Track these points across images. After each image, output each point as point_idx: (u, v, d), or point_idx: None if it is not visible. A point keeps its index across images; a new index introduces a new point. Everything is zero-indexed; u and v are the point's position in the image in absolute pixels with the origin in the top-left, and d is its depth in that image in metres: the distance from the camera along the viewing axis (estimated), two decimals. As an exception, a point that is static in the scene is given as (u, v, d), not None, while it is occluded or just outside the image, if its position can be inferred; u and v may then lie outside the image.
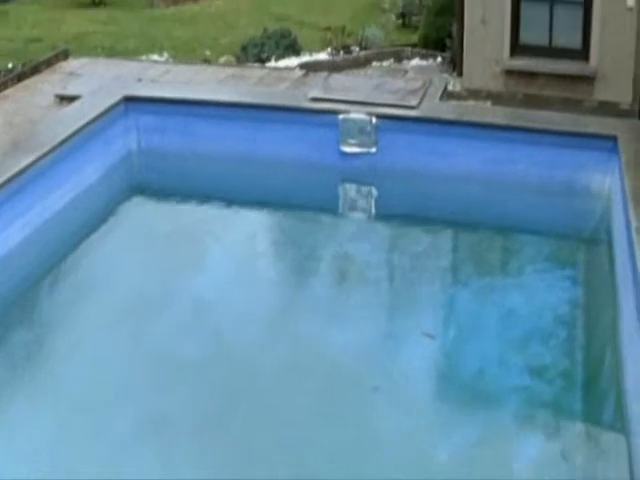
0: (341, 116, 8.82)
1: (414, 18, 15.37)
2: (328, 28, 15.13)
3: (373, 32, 13.08)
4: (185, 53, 13.95)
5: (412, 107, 8.93)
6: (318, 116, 8.97)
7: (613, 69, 10.20)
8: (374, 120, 8.75)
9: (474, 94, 10.46)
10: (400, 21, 15.79)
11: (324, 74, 10.39)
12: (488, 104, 10.31)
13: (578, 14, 10.17)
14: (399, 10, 16.16)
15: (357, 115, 8.79)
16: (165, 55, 13.53)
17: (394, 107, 8.92)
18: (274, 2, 18.51)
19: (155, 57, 13.38)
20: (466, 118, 8.82)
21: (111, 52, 13.98)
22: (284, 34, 12.26)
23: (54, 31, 15.46)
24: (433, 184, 8.88)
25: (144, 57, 13.39)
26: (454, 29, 11.53)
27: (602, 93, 10.32)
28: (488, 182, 8.80)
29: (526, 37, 10.35)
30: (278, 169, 9.06)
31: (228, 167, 9.23)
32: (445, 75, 11.09)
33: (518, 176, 8.74)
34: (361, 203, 9.24)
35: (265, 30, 12.61)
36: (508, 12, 10.15)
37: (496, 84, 10.44)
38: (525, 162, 8.77)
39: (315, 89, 9.33)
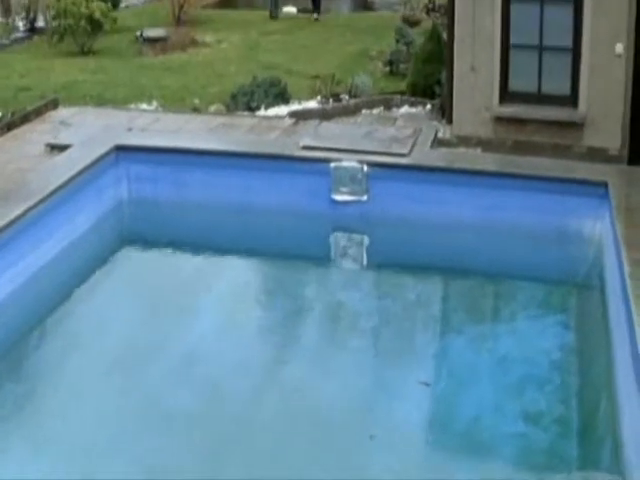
0: (333, 164, 8.83)
1: (402, 66, 15.51)
2: (316, 76, 15.22)
3: (362, 80, 13.16)
4: (174, 102, 13.99)
5: (403, 155, 8.95)
6: (309, 164, 8.98)
7: (602, 115, 10.29)
8: (365, 168, 8.77)
9: (464, 141, 10.52)
10: (388, 69, 15.93)
11: (314, 122, 10.43)
12: (478, 151, 10.37)
13: (567, 61, 10.28)
14: (387, 58, 16.31)
15: (349, 163, 8.80)
16: (154, 104, 13.57)
17: (385, 155, 8.94)
18: (262, 50, 18.67)
19: (144, 106, 13.42)
20: (457, 165, 8.84)
21: (100, 101, 14.02)
22: (273, 82, 12.32)
23: (43, 80, 15.50)
24: (425, 231, 8.87)
25: (133, 106, 13.43)
26: (443, 77, 11.63)
27: (591, 139, 10.41)
28: (480, 229, 8.79)
29: (515, 84, 10.46)
30: (270, 218, 9.05)
31: (220, 216, 9.22)
32: (435, 122, 11.15)
33: (509, 222, 8.73)
34: (353, 251, 9.22)
35: (254, 78, 12.66)
36: (497, 59, 10.24)
37: (486, 131, 10.50)
38: (516, 208, 8.76)
39: (306, 137, 9.35)
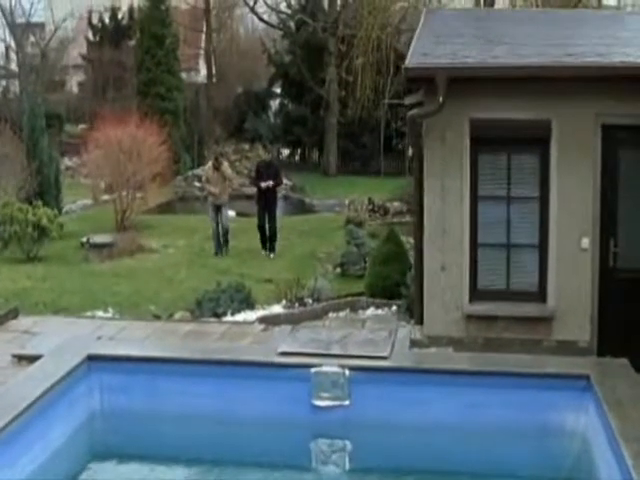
0: (313, 370, 8.64)
1: (353, 267, 15.65)
2: (269, 280, 15.27)
3: (322, 284, 13.21)
4: (129, 308, 13.81)
5: (384, 358, 8.83)
6: (289, 370, 8.77)
7: (570, 309, 10.42)
8: (347, 372, 8.60)
9: (435, 341, 10.47)
10: (339, 270, 16.05)
11: (285, 327, 10.31)
12: (450, 350, 10.30)
13: (534, 257, 10.43)
14: (336, 259, 16.47)
15: (329, 368, 8.62)
16: (110, 311, 13.36)
17: (366, 358, 8.80)
18: (209, 255, 18.74)
19: (100, 313, 13.20)
20: (438, 366, 8.74)
21: (54, 308, 13.79)
22: (238, 288, 12.27)
23: (-9, 287, 15.23)
24: (407, 433, 8.63)
25: (89, 313, 13.20)
26: (408, 277, 11.69)
27: (560, 333, 10.49)
28: (463, 428, 8.60)
29: (484, 282, 10.50)
30: (248, 427, 8.72)
31: (196, 426, 8.84)
32: (403, 323, 11.11)
33: (491, 421, 8.59)
34: (335, 457, 8.88)
35: (219, 284, 12.60)
36: (467, 258, 10.33)
37: (457, 330, 10.49)
38: (498, 406, 8.64)
39: (282, 343, 9.17)
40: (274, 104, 41.28)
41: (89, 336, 10.11)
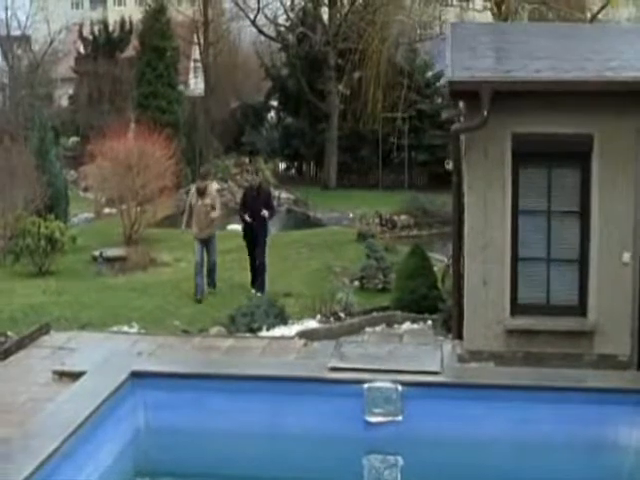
0: (366, 385, 8.58)
1: (373, 281, 15.60)
2: (289, 294, 15.18)
3: (351, 298, 13.20)
4: (153, 323, 13.69)
5: (436, 373, 8.77)
6: (341, 386, 8.70)
7: (611, 323, 10.37)
8: (400, 388, 8.53)
9: (476, 355, 10.39)
10: (357, 284, 16.00)
11: (328, 343, 10.24)
12: (491, 365, 10.25)
13: (574, 271, 10.39)
14: (353, 274, 16.41)
15: (382, 384, 8.56)
16: (135, 326, 13.24)
17: (418, 374, 8.74)
18: (222, 269, 18.54)
19: (125, 328, 13.09)
20: (496, 381, 8.70)
21: (77, 323, 13.64)
22: (272, 302, 12.18)
23: (6, 302, 15.06)
24: (459, 449, 8.59)
25: (115, 328, 13.09)
26: (443, 292, 11.65)
27: (601, 347, 10.41)
28: (515, 443, 8.60)
29: (525, 296, 10.45)
30: (299, 443, 8.65)
31: (244, 443, 8.75)
32: (440, 337, 11.06)
33: (545, 435, 8.60)
34: (387, 474, 8.81)
35: (250, 299, 12.52)
36: (508, 272, 10.27)
37: (498, 344, 10.42)
38: (551, 421, 8.65)
39: (332, 358, 9.09)
40: (271, 117, 41.23)
41: (129, 352, 9.98)
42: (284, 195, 30.51)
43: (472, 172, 10.27)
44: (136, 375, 9.01)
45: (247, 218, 15.49)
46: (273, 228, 18.51)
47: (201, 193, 15.53)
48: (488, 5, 28.88)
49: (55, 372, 9.47)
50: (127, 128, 27.22)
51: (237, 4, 37.14)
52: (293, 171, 40.66)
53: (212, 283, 15.86)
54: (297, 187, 34.23)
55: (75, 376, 9.22)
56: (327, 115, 35.67)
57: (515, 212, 10.27)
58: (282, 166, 39.51)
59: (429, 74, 36.72)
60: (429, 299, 12.91)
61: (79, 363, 9.74)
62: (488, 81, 9.75)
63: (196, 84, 47.02)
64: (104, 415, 8.34)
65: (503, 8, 25.61)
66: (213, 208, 15.46)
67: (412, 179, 35.64)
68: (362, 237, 20.37)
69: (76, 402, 8.38)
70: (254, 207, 15.47)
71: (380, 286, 15.45)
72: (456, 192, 10.68)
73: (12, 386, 9.24)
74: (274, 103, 40.36)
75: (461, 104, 10.66)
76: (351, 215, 27.46)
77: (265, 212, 15.35)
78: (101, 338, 11.28)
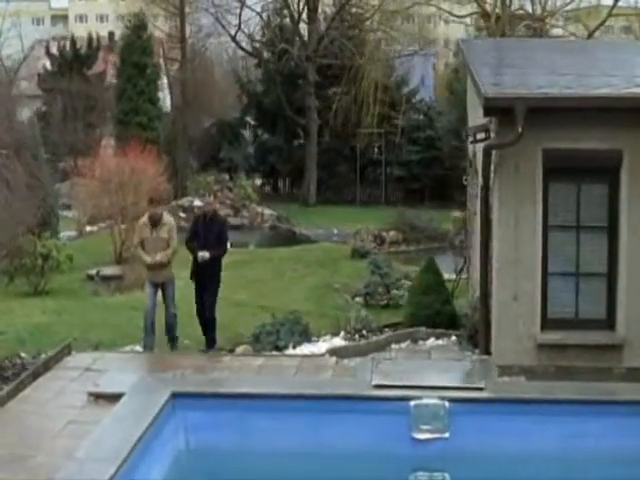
0: (413, 402, 8.55)
1: (377, 297, 15.56)
2: (295, 311, 15.06)
3: (364, 315, 13.17)
4: (164, 343, 13.49)
5: (481, 389, 8.77)
6: (387, 403, 8.67)
7: (640, 336, 10.41)
8: (447, 404, 8.52)
9: (506, 370, 10.39)
10: (359, 300, 15.93)
11: (360, 359, 10.18)
12: (522, 379, 10.25)
13: (603, 285, 10.45)
14: (354, 290, 16.35)
15: (430, 400, 8.55)
16: (146, 346, 13.05)
17: (463, 390, 8.74)
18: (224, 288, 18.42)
19: (137, 348, 12.91)
20: (542, 396, 8.72)
21: (86, 343, 13.43)
22: (296, 320, 12.10)
23: (9, 323, 14.81)
24: (506, 465, 8.59)
25: (128, 348, 12.91)
26: (467, 307, 11.64)
27: (630, 360, 10.48)
28: (562, 458, 8.62)
29: (554, 311, 10.49)
30: (344, 461, 8.59)
31: (289, 462, 8.68)
32: (468, 353, 11.04)
33: (592, 449, 8.62)
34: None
35: (274, 317, 12.43)
36: (539, 287, 10.31)
37: (529, 358, 10.44)
38: (597, 434, 8.67)
39: (374, 375, 9.06)
40: (247, 134, 41.15)
41: (164, 373, 9.87)
42: (267, 212, 30.41)
43: (503, 188, 10.31)
44: (176, 396, 8.90)
45: (201, 254, 12.08)
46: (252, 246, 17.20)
47: (154, 224, 12.15)
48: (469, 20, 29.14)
49: (91, 394, 9.31)
50: (106, 145, 27.05)
51: (218, 20, 37.06)
52: (268, 188, 40.56)
53: (172, 341, 12.47)
54: (274, 204, 34.07)
55: (111, 398, 9.08)
56: (306, 130, 35.68)
57: (545, 227, 10.31)
58: (258, 182, 39.43)
59: (405, 90, 36.88)
60: (442, 314, 12.90)
61: (112, 384, 9.59)
62: (523, 97, 9.80)
63: (164, 101, 46.89)
64: (149, 438, 8.23)
65: (492, 21, 25.81)
66: (168, 245, 12.13)
67: (387, 194, 35.76)
68: (357, 253, 20.34)
69: (122, 425, 8.26)
70: (205, 240, 12.24)
71: (384, 302, 15.41)
72: (483, 208, 10.69)
73: (49, 410, 9.06)
74: (250, 120, 40.30)
75: (488, 120, 10.65)
76: (335, 231, 27.44)
77: (206, 254, 12.03)
78: (126, 359, 11.15)
